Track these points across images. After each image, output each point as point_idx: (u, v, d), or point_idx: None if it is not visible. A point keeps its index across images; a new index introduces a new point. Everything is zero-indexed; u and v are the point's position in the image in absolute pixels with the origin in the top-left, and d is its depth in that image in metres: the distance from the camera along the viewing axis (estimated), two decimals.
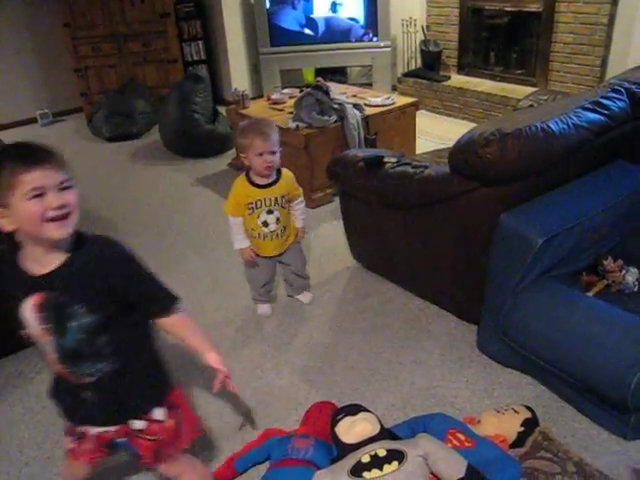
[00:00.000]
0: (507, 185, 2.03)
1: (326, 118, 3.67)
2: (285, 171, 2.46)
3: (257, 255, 2.53)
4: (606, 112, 2.15)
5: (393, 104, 4.04)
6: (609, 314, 1.89)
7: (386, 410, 2.08)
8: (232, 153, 4.76)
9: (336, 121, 3.70)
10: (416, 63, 6.08)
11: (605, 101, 2.19)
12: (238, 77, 6.26)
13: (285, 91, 4.59)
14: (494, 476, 1.58)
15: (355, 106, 3.78)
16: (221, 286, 2.97)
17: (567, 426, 1.95)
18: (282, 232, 2.48)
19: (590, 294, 2.12)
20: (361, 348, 2.43)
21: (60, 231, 1.20)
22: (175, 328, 1.45)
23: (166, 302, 1.41)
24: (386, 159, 2.53)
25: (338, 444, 1.72)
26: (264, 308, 2.71)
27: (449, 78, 5.66)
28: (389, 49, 5.84)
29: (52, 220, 1.19)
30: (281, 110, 4.09)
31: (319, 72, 5.48)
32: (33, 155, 1.19)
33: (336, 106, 3.70)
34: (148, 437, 1.43)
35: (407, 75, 5.96)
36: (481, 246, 2.13)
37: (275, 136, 2.31)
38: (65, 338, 1.28)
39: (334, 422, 1.77)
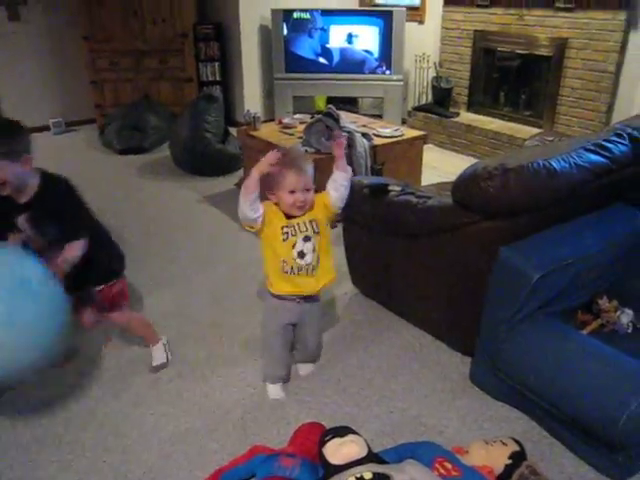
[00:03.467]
0: (508, 219, 2.07)
1: None
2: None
3: (283, 299, 2.17)
4: (608, 154, 2.17)
5: (401, 136, 4.10)
6: (601, 352, 1.90)
7: (375, 435, 2.08)
8: (240, 173, 4.82)
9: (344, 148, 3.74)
10: (427, 98, 6.18)
11: (607, 144, 2.22)
12: (251, 100, 6.36)
13: (296, 116, 4.66)
14: None
15: (364, 135, 3.84)
16: (219, 302, 2.99)
17: (555, 462, 1.96)
18: (316, 264, 2.11)
19: (584, 332, 2.13)
20: (354, 373, 2.43)
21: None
22: None
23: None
24: (390, 187, 2.57)
25: (325, 465, 1.71)
26: (277, 390, 2.33)
27: (458, 115, 5.75)
28: (401, 83, 5.94)
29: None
30: (291, 135, 4.15)
31: (331, 100, 5.57)
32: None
33: (345, 134, 3.76)
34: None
35: (417, 109, 6.05)
36: (479, 278, 2.15)
37: (311, 171, 2.03)
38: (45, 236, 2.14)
39: (322, 442, 1.77)
